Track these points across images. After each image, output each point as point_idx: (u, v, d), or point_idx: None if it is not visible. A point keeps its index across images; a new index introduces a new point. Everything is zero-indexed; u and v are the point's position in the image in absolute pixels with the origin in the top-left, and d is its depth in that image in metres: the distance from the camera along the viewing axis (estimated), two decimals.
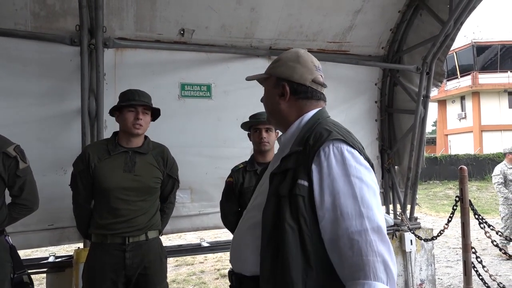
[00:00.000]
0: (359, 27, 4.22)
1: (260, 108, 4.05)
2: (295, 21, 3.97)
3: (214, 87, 3.97)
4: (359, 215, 1.16)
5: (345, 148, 1.24)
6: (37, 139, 3.33)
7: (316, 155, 1.23)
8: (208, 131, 3.90)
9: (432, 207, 13.02)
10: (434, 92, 17.89)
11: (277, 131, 2.72)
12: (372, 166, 1.31)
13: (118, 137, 2.44)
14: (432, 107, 31.12)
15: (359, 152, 1.26)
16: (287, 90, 1.40)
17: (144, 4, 3.53)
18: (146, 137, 2.52)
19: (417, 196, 4.66)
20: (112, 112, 2.44)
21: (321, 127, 1.31)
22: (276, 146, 2.32)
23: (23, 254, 4.33)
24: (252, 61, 4.04)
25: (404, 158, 4.66)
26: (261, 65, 4.04)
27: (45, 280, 3.42)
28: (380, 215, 1.20)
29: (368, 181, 1.22)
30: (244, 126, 2.81)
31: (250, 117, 2.82)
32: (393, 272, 1.15)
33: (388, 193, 4.84)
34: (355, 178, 1.20)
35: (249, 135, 2.83)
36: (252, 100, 3.87)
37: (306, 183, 1.21)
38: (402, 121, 4.70)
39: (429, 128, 45.20)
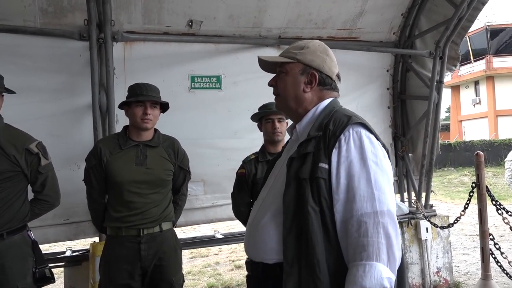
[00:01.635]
0: (370, 13, 4.14)
1: (270, 98, 4.04)
2: (303, 9, 3.91)
3: (224, 78, 3.94)
4: (371, 197, 1.20)
5: (364, 132, 1.29)
6: (49, 134, 3.35)
7: (337, 139, 1.28)
8: (219, 122, 3.89)
9: (447, 194, 12.88)
10: (447, 77, 17.63)
11: (287, 121, 2.69)
12: (387, 152, 1.34)
13: (129, 131, 2.45)
14: (446, 93, 30.62)
15: (376, 138, 1.31)
16: (316, 79, 1.43)
17: None
18: (156, 130, 2.52)
19: (432, 184, 4.59)
20: (121, 106, 2.44)
21: (340, 113, 1.36)
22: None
23: (42, 248, 4.41)
24: (261, 51, 4.00)
25: (418, 145, 4.59)
26: (270, 55, 4.00)
27: (62, 274, 3.47)
28: (391, 199, 1.23)
29: (383, 166, 1.26)
30: (255, 117, 2.79)
31: (260, 108, 2.79)
32: (396, 256, 1.18)
33: (403, 181, 4.78)
34: (372, 162, 1.24)
35: (259, 126, 2.81)
36: (262, 90, 3.82)
37: (326, 166, 1.26)
38: (415, 107, 4.62)
39: (442, 114, 44.61)
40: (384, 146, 1.34)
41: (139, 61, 3.64)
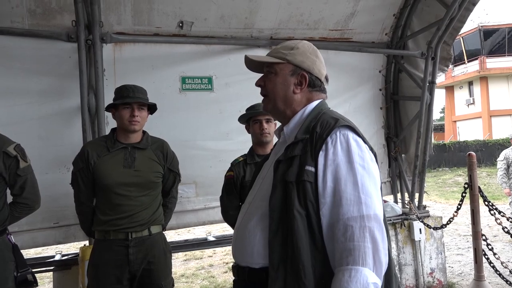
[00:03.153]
0: (361, 14, 4.13)
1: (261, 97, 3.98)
2: (295, 10, 3.90)
3: (215, 79, 3.92)
4: (357, 201, 1.18)
5: (351, 135, 1.27)
6: (38, 137, 3.32)
7: (323, 142, 1.26)
8: (211, 124, 3.86)
9: (442, 195, 12.91)
10: (440, 78, 17.70)
11: (275, 122, 2.67)
12: (375, 156, 1.33)
13: (117, 133, 2.41)
14: (440, 94, 30.78)
15: (363, 141, 1.29)
16: (307, 80, 1.42)
17: None
18: (144, 132, 2.49)
19: (425, 184, 4.59)
20: (109, 109, 2.40)
21: (327, 116, 1.35)
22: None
23: (34, 252, 4.35)
24: (253, 52, 3.97)
25: (411, 146, 4.58)
26: (262, 55, 3.98)
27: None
28: (378, 204, 1.22)
29: (371, 169, 1.25)
30: (242, 118, 2.76)
31: (247, 109, 2.77)
32: (382, 261, 1.16)
33: (396, 181, 4.77)
34: (358, 165, 1.23)
35: (247, 128, 2.78)
36: (255, 92, 3.80)
37: (313, 169, 1.24)
38: (408, 108, 4.61)
39: (437, 115, 44.82)
40: (371, 149, 1.32)
41: (129, 63, 3.60)
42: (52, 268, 3.32)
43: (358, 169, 1.22)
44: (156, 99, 3.44)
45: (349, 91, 4.39)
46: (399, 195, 4.79)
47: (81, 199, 2.40)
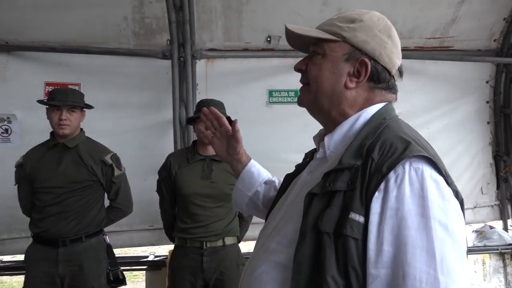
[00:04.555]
0: (464, 20, 3.77)
1: None
2: (387, 19, 3.71)
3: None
4: (432, 284, 0.76)
5: (429, 172, 0.84)
6: (138, 146, 3.65)
7: (383, 178, 0.83)
8: (295, 137, 3.84)
9: None
10: None
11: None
12: (462, 204, 0.89)
13: (197, 145, 2.55)
14: None
15: (447, 182, 0.85)
16: (368, 71, 0.98)
17: (231, 16, 3.63)
18: None
19: None
20: (189, 122, 2.55)
21: (393, 133, 0.92)
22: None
23: (132, 251, 4.79)
24: None
25: None
26: None
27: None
28: None
29: (456, 231, 0.81)
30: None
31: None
32: None
33: (506, 206, 4.21)
34: (438, 223, 0.79)
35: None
36: None
37: (362, 219, 0.83)
38: None
39: None
40: (457, 195, 0.87)
41: (219, 77, 3.78)
42: (145, 267, 3.61)
43: (436, 230, 0.78)
44: (244, 112, 3.55)
45: (449, 104, 4.02)
46: (509, 221, 4.22)
47: (164, 206, 2.58)
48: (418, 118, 3.89)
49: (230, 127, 1.33)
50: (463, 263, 0.80)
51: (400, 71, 1.06)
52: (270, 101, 3.88)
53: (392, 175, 0.83)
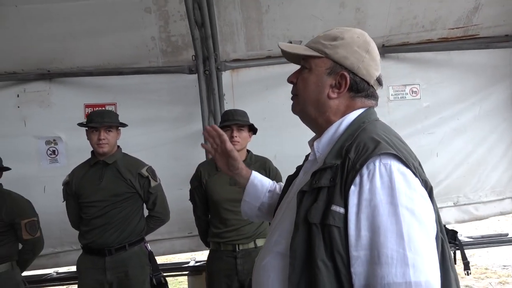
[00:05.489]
0: (487, 6, 3.70)
1: (377, 108, 3.93)
2: (406, 13, 3.72)
3: None
4: (402, 261, 0.89)
5: (397, 166, 0.96)
6: (172, 158, 3.84)
7: (357, 173, 0.97)
8: None
9: None
10: None
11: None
12: (431, 192, 1.01)
13: None
14: None
15: (414, 173, 0.98)
16: (347, 83, 1.12)
17: (252, 26, 3.76)
18: (248, 151, 2.71)
19: None
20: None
21: (367, 135, 1.04)
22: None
23: (172, 258, 5.01)
24: None
25: None
26: None
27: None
28: (432, 265, 0.92)
29: (422, 215, 0.94)
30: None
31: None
32: None
33: None
34: (405, 209, 0.92)
35: None
36: None
37: (342, 210, 0.96)
38: None
39: None
40: (426, 183, 1.00)
41: (245, 86, 3.92)
42: (187, 272, 3.79)
43: (404, 215, 0.91)
44: (271, 118, 3.67)
45: (478, 93, 3.94)
46: None
47: (197, 213, 2.74)
48: (447, 110, 3.87)
49: (230, 146, 1.44)
50: (429, 241, 0.94)
51: (379, 81, 1.18)
52: None
53: (365, 171, 0.97)
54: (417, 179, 0.98)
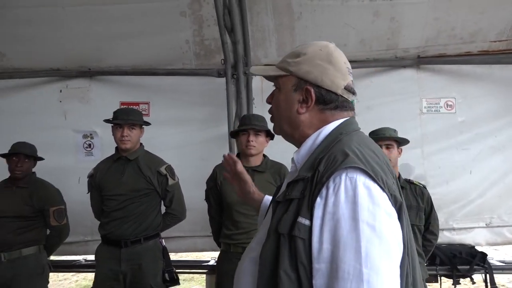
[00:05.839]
0: None
1: (409, 122, 3.80)
2: (444, 24, 3.59)
3: (357, 103, 3.89)
4: (358, 276, 0.88)
5: (362, 181, 0.95)
6: (199, 158, 3.93)
7: (323, 186, 0.96)
8: None
9: None
10: None
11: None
12: (400, 208, 1.00)
13: (240, 157, 2.73)
14: None
15: (381, 188, 0.96)
16: (312, 97, 1.12)
17: (284, 32, 3.79)
18: (264, 156, 2.73)
19: None
20: (233, 135, 2.74)
21: (340, 147, 1.03)
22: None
23: (192, 256, 5.10)
24: (398, 73, 3.83)
25: None
26: (408, 76, 3.81)
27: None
28: (390, 283, 0.90)
29: (383, 232, 0.92)
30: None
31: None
32: None
33: None
34: (366, 225, 0.91)
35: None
36: (399, 114, 3.72)
37: (308, 222, 0.96)
38: None
39: None
40: (396, 199, 0.99)
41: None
42: (206, 271, 3.87)
43: (364, 231, 0.90)
44: None
45: None
46: None
47: (211, 213, 2.80)
48: (484, 126, 3.69)
49: (241, 168, 1.50)
50: (390, 258, 0.92)
51: (349, 89, 1.15)
52: None
53: (331, 184, 0.96)
54: (384, 194, 0.96)
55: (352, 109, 1.19)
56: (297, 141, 1.19)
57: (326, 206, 0.95)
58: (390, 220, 0.95)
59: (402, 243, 0.97)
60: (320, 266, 0.93)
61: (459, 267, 3.30)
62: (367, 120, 3.84)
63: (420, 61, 3.77)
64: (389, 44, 3.76)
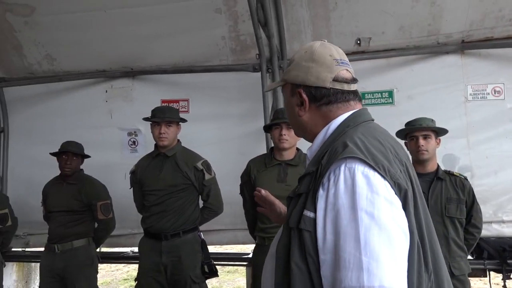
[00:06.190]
0: None
1: (451, 110, 3.65)
2: (490, 6, 3.39)
3: (397, 92, 3.79)
4: (357, 265, 0.89)
5: (360, 170, 0.96)
6: (238, 153, 3.98)
7: (325, 178, 0.99)
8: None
9: None
10: None
11: None
12: (405, 196, 0.98)
13: (274, 151, 2.74)
14: None
15: (382, 176, 0.96)
16: (304, 97, 1.16)
17: (319, 23, 3.75)
18: (298, 149, 2.73)
19: None
20: (267, 130, 2.76)
21: (343, 139, 1.05)
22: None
23: (239, 248, 5.18)
24: (440, 59, 3.66)
25: None
26: (452, 63, 3.64)
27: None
28: (391, 271, 0.89)
29: (382, 219, 0.92)
30: (400, 134, 2.66)
31: (406, 124, 2.65)
32: None
33: None
34: (364, 213, 0.91)
35: (406, 144, 2.66)
36: (441, 103, 3.57)
37: (312, 215, 0.99)
38: None
39: None
40: (400, 186, 0.98)
41: None
42: (246, 263, 3.93)
43: (363, 219, 0.91)
44: None
45: None
46: None
47: (246, 207, 2.83)
48: None
49: (268, 195, 1.59)
50: (391, 246, 0.91)
51: (340, 79, 1.15)
52: (363, 103, 3.84)
53: (332, 175, 0.99)
54: (385, 182, 0.96)
55: (358, 99, 1.20)
56: (310, 140, 1.24)
57: (327, 197, 0.97)
58: (391, 208, 0.94)
59: (408, 231, 0.96)
60: (325, 257, 0.95)
61: (509, 261, 3.12)
62: (408, 110, 3.74)
63: (464, 46, 3.58)
64: (430, 30, 3.60)
